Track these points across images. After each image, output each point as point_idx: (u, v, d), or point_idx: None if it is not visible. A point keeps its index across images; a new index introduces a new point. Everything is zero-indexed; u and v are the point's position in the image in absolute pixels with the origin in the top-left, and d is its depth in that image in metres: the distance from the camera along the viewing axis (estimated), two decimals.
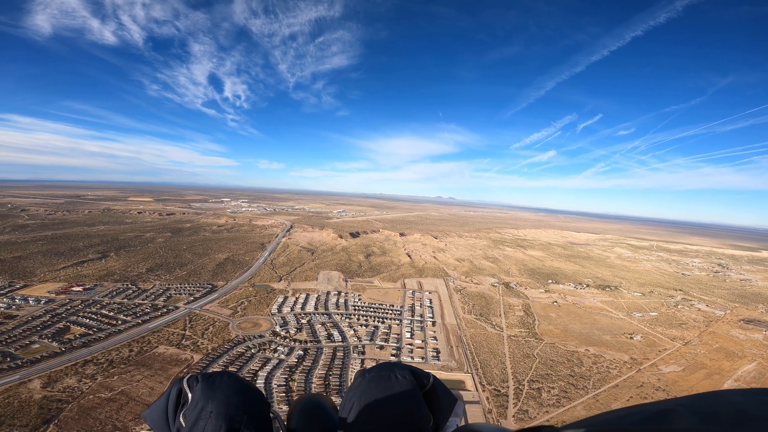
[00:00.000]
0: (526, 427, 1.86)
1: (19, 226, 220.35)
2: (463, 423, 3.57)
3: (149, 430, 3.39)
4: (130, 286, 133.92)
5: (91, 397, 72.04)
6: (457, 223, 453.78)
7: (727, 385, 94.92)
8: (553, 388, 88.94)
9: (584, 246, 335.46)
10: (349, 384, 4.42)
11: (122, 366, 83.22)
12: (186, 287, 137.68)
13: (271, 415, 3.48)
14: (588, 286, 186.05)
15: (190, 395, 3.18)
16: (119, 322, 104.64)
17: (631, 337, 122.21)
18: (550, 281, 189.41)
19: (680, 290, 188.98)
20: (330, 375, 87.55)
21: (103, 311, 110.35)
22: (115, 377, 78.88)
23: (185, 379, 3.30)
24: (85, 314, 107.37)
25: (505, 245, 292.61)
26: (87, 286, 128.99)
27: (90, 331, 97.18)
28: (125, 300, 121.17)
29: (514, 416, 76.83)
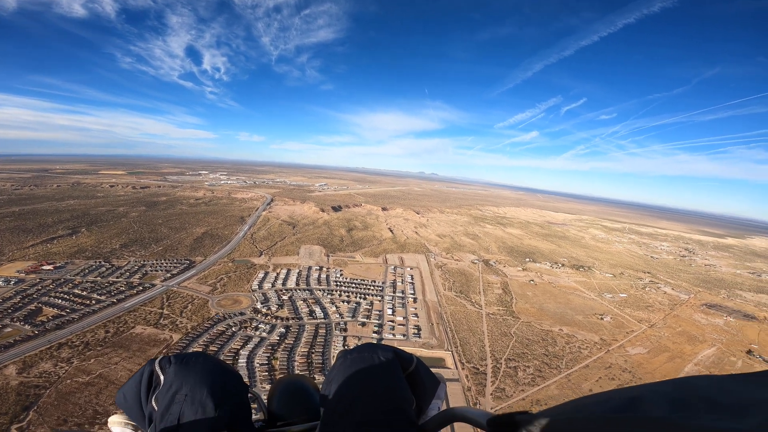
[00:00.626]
0: (503, 413, 1.88)
1: None
2: (445, 406, 3.47)
3: (122, 413, 3.23)
4: (103, 263, 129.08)
5: (68, 381, 70.09)
6: (439, 198, 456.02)
7: (688, 368, 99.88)
8: (528, 366, 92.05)
9: (561, 226, 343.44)
10: (332, 363, 4.17)
11: (98, 348, 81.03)
12: (162, 263, 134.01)
13: (251, 396, 3.33)
14: (563, 265, 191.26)
15: (162, 378, 2.99)
16: (93, 301, 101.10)
17: (602, 318, 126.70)
18: (528, 260, 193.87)
19: (648, 273, 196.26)
20: (312, 353, 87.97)
21: (76, 291, 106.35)
22: (92, 360, 76.85)
23: (157, 361, 3.11)
24: (57, 294, 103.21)
25: (486, 222, 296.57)
26: (58, 264, 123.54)
27: (63, 313, 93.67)
28: (98, 278, 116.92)
29: (491, 394, 79.47)
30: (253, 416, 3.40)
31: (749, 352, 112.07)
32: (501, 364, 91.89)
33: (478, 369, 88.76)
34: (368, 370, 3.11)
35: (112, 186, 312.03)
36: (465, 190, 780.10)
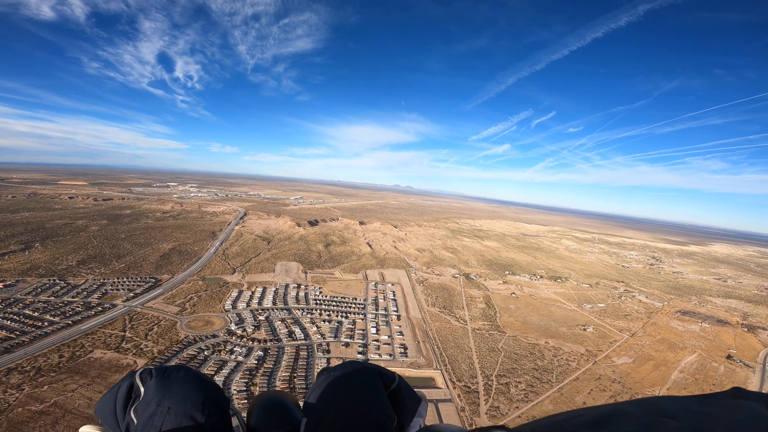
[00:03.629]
0: (480, 426, 1.93)
1: None
2: (425, 424, 3.58)
3: (98, 424, 3.21)
4: (57, 281, 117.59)
5: (20, 410, 61.89)
6: (416, 212, 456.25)
7: (674, 376, 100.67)
8: (520, 382, 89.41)
9: (535, 237, 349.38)
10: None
11: (52, 374, 71.95)
12: (125, 282, 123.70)
13: (231, 411, 3.34)
14: (542, 277, 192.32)
15: (142, 390, 3.06)
16: (46, 323, 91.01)
17: (585, 329, 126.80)
18: (507, 272, 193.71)
19: (622, 282, 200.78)
20: (294, 377, 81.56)
21: (27, 311, 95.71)
22: (45, 387, 68.07)
23: (138, 373, 3.20)
24: (6, 315, 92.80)
25: (463, 235, 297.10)
26: (8, 282, 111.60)
27: (12, 335, 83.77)
28: (52, 297, 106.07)
29: (486, 413, 75.60)
30: None
31: (729, 357, 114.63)
32: (492, 381, 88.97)
33: (469, 387, 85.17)
34: (350, 388, 3.16)
35: (71, 197, 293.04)
36: (440, 202, 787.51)
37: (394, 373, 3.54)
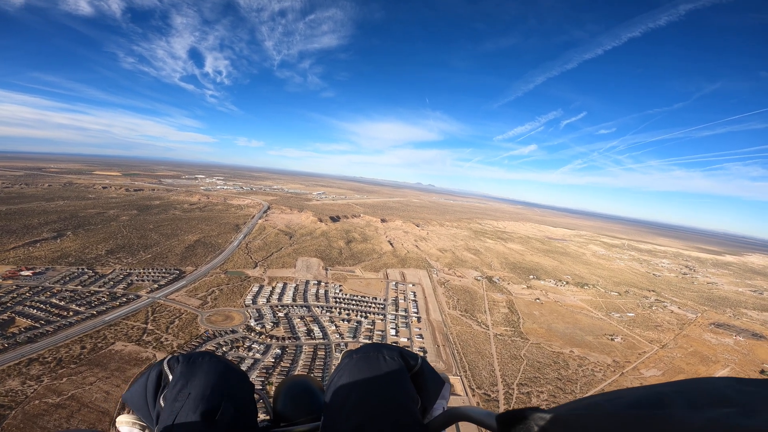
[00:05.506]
0: (512, 408, 1.93)
1: None
2: (449, 406, 3.52)
3: (131, 412, 3.24)
4: (86, 270, 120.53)
5: (36, 402, 62.26)
6: (438, 211, 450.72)
7: None
8: (542, 392, 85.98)
9: (561, 241, 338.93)
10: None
11: (72, 366, 72.98)
12: (150, 273, 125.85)
13: (257, 396, 3.39)
14: (567, 283, 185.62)
15: (170, 377, 3.05)
16: (71, 313, 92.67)
17: (612, 339, 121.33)
18: (532, 277, 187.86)
19: (653, 291, 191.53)
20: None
21: (54, 300, 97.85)
22: (64, 379, 68.86)
23: (166, 361, 3.18)
24: (33, 303, 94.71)
25: (486, 237, 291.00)
26: (37, 270, 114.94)
27: (37, 324, 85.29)
28: (79, 287, 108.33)
29: None
30: (259, 416, 3.39)
31: (762, 371, 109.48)
32: (513, 389, 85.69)
33: (489, 395, 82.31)
34: (373, 370, 3.14)
35: (104, 187, 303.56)
36: (463, 202, 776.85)
37: (416, 354, 3.43)
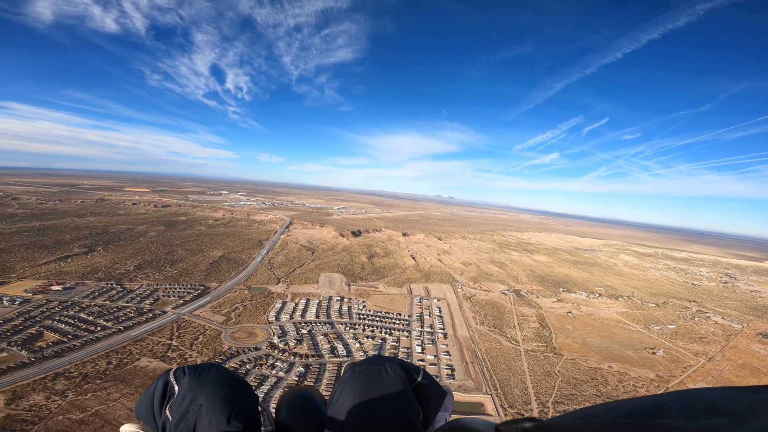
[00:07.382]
0: (511, 419, 1.93)
1: (6, 216, 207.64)
2: (451, 418, 3.57)
3: (137, 422, 3.34)
4: (114, 285, 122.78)
5: (60, 418, 62.05)
6: (460, 223, 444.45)
7: None
8: None
9: (590, 252, 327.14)
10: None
11: (97, 381, 72.86)
12: (176, 288, 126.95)
13: (260, 408, 3.47)
14: (600, 295, 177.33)
15: (176, 388, 3.17)
16: (98, 328, 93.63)
17: (654, 352, 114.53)
18: (562, 289, 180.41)
19: (694, 301, 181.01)
20: None
21: (82, 315, 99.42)
22: (89, 395, 68.63)
23: (171, 372, 3.31)
24: (62, 318, 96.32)
25: (511, 249, 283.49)
26: (67, 285, 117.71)
27: (64, 339, 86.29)
28: (107, 302, 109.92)
29: None
30: (262, 429, 3.47)
31: None
32: (548, 408, 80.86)
33: (522, 415, 76.70)
34: (375, 382, 3.19)
35: (134, 204, 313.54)
36: (484, 214, 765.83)
37: (419, 367, 3.54)
